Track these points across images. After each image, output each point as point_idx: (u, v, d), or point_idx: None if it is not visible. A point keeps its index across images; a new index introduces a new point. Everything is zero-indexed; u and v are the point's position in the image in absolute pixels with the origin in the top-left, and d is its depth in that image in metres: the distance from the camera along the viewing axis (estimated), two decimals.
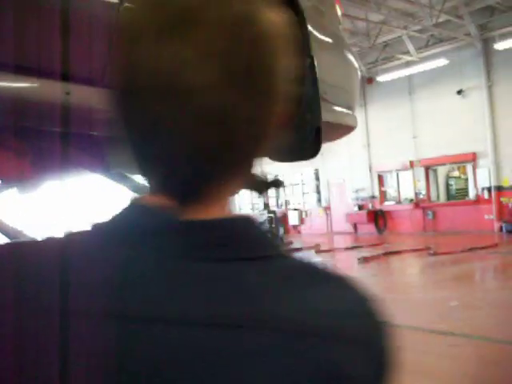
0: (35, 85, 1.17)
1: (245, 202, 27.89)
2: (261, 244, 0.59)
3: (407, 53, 19.06)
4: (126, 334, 0.51)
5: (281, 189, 26.23)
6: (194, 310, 0.52)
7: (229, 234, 0.57)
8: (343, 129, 2.61)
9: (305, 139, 2.07)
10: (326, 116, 2.27)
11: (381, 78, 20.28)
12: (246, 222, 0.59)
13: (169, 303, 0.52)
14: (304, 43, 1.96)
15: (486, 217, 18.23)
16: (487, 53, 18.08)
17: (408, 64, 19.19)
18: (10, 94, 1.16)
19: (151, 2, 0.57)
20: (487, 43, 17.96)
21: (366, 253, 14.13)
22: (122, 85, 0.58)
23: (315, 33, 2.05)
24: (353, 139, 22.04)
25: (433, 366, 5.04)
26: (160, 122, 0.55)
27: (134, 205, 0.60)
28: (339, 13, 2.48)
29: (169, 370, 0.50)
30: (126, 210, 0.59)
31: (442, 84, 19.13)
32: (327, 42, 2.22)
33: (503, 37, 17.10)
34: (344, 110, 2.49)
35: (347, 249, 16.29)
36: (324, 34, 2.18)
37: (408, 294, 8.79)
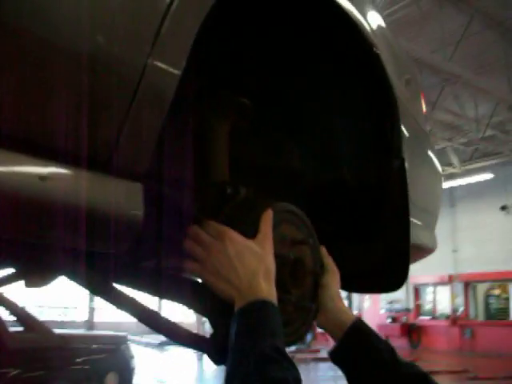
0: None
1: None
2: None
3: (451, 165, 18.67)
4: None
5: None
6: None
7: None
8: (421, 252, 2.01)
9: (383, 265, 1.57)
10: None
11: None
12: None
13: None
14: (394, 142, 1.53)
15: None
16: None
17: (451, 176, 18.67)
18: None
19: None
20: None
21: None
22: None
23: (404, 130, 1.63)
24: None
25: None
26: None
27: None
28: (423, 106, 2.05)
29: None
30: None
31: (485, 198, 18.67)
32: (415, 139, 1.76)
33: None
34: (427, 229, 1.97)
35: None
36: (412, 131, 1.74)
37: None
